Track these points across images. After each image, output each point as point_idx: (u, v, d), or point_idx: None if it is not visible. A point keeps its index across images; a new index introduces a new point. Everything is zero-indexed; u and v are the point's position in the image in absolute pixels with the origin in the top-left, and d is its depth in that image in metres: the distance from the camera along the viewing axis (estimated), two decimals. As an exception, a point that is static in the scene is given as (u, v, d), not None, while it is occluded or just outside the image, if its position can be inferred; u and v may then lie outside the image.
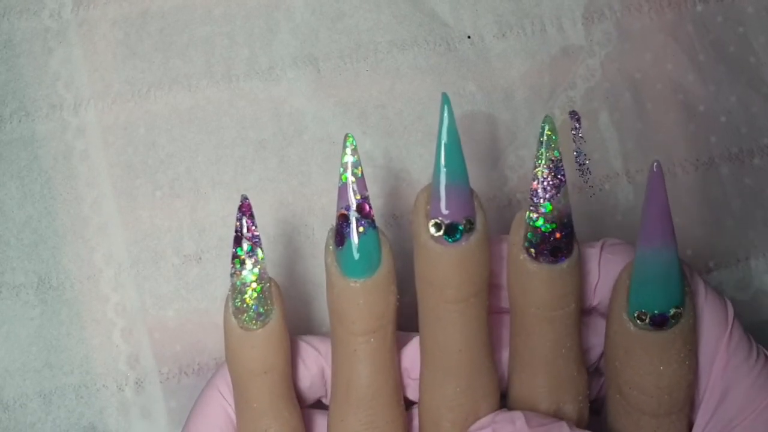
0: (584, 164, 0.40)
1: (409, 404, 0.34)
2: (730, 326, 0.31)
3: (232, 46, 0.40)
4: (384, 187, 0.40)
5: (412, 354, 0.33)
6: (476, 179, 0.40)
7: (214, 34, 0.40)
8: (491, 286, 0.32)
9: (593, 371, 0.34)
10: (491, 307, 0.32)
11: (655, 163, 0.29)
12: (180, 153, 0.40)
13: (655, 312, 0.30)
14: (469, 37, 0.41)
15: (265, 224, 0.39)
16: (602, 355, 0.33)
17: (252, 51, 0.40)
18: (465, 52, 0.40)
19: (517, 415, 0.31)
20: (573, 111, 0.40)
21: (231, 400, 0.33)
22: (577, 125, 0.40)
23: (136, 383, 0.39)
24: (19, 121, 0.39)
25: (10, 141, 0.39)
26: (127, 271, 0.39)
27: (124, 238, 0.39)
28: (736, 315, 0.32)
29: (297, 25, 0.40)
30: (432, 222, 0.29)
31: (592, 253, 0.33)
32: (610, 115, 0.41)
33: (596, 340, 0.33)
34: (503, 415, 0.31)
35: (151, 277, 0.39)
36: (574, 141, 0.40)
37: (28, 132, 0.39)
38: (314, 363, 0.34)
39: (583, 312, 0.33)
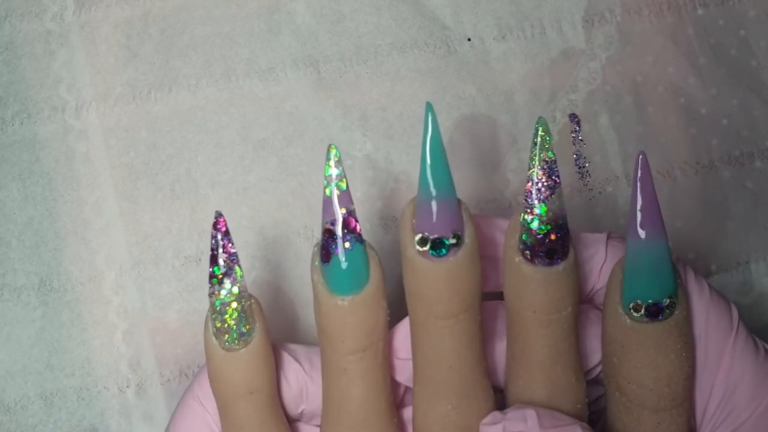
0: (584, 167, 0.40)
1: (396, 385, 0.33)
2: (735, 327, 0.31)
3: (232, 47, 0.40)
4: (384, 189, 0.40)
5: (402, 334, 0.32)
6: (477, 183, 0.40)
7: (214, 34, 0.40)
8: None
9: (592, 380, 0.34)
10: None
11: (641, 155, 0.29)
12: (180, 154, 0.40)
13: (650, 302, 0.29)
14: (469, 39, 0.41)
15: (264, 225, 0.39)
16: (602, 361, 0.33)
17: (252, 52, 0.40)
18: (465, 55, 0.41)
19: (530, 414, 0.30)
20: (573, 114, 0.40)
21: (211, 409, 0.32)
22: (578, 128, 0.40)
23: (138, 385, 0.39)
24: (21, 123, 0.40)
25: (12, 143, 0.40)
26: (128, 273, 0.39)
27: (126, 239, 0.39)
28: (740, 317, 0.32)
29: (298, 27, 0.40)
30: (418, 237, 0.29)
31: (600, 237, 0.32)
32: (611, 118, 0.40)
33: (596, 344, 0.33)
34: (514, 413, 0.30)
35: (152, 279, 0.39)
36: (575, 144, 0.40)
37: (30, 134, 0.40)
38: (295, 381, 0.32)
39: (585, 301, 0.32)
